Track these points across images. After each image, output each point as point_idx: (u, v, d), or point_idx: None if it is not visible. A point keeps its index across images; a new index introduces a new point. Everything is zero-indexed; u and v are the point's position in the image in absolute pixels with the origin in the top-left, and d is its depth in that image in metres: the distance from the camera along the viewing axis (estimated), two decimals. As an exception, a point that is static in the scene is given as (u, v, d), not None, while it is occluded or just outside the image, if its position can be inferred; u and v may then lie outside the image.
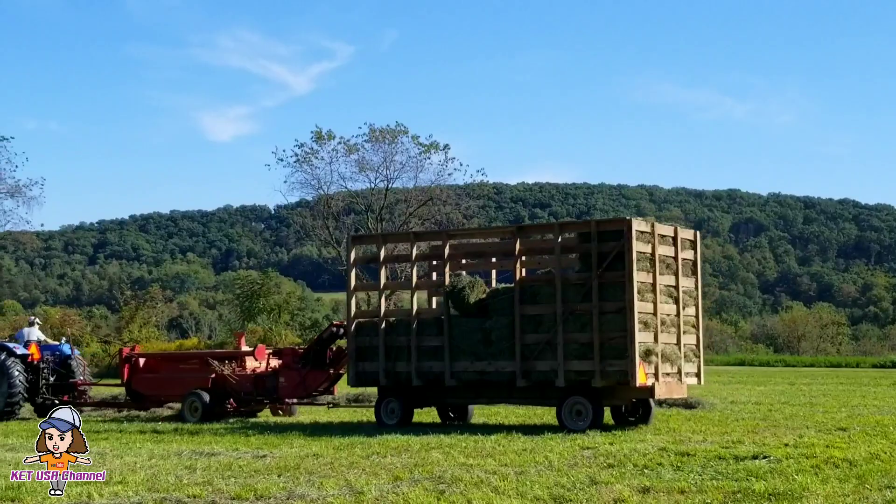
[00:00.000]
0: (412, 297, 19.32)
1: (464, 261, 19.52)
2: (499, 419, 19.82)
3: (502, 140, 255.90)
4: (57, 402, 22.59)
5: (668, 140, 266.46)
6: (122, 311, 61.27)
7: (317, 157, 56.10)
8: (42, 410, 22.93)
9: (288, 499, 10.06)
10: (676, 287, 17.75)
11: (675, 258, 17.79)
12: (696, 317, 18.39)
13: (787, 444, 13.94)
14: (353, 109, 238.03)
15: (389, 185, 56.22)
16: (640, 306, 16.79)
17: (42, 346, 24.10)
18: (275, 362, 21.88)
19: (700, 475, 11.09)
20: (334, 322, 22.38)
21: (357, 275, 20.13)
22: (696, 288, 18.47)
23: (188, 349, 23.52)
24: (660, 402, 22.11)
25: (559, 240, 17.79)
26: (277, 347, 25.78)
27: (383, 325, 18.82)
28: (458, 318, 18.33)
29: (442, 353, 18.13)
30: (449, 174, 55.84)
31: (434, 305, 19.64)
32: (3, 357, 23.04)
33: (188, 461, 12.93)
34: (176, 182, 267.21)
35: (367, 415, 20.56)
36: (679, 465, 11.97)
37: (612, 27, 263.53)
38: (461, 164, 64.62)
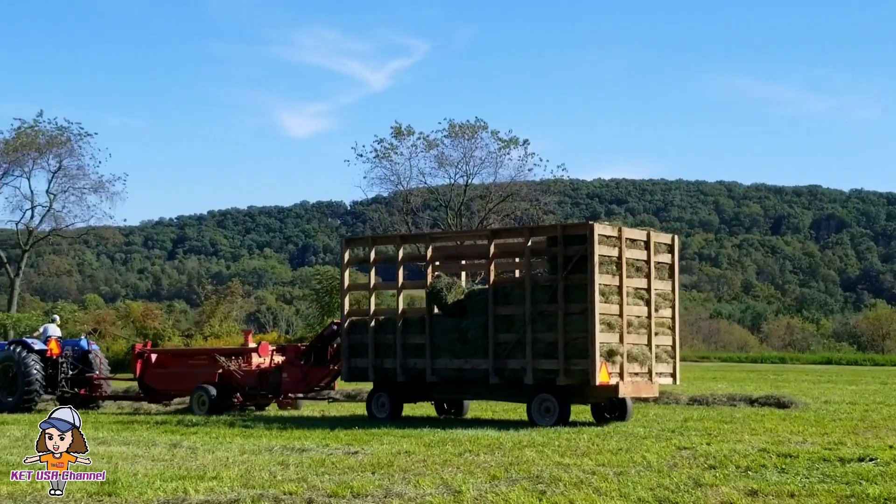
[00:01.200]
0: (398, 297, 20.04)
1: (471, 262, 20.27)
2: (494, 415, 20.61)
3: (578, 136, 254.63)
4: (71, 394, 24.36)
5: (748, 135, 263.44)
6: (203, 305, 61.78)
7: (396, 153, 56.17)
8: (63, 402, 23.59)
9: (385, 497, 9.87)
10: (648, 289, 18.33)
11: (648, 261, 18.35)
12: (673, 318, 18.98)
13: (891, 446, 13.47)
14: (430, 106, 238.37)
15: (469, 181, 56.08)
16: (603, 308, 17.43)
17: (62, 342, 25.21)
18: (279, 359, 22.69)
19: (807, 478, 10.72)
20: (335, 320, 23.02)
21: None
22: (673, 291, 19.03)
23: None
24: (731, 401, 22.45)
25: (529, 243, 18.57)
26: (281, 344, 26.42)
27: (373, 323, 19.90)
28: (440, 318, 19.13)
29: (424, 351, 19.07)
30: (529, 170, 55.55)
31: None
32: (21, 352, 24.35)
33: (280, 457, 12.82)
34: (254, 178, 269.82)
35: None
36: (783, 467, 11.60)
37: (690, 22, 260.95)
38: (540, 160, 64.42)
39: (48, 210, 62.72)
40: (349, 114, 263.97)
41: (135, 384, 24.90)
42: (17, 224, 63.13)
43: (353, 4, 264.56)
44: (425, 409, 21.44)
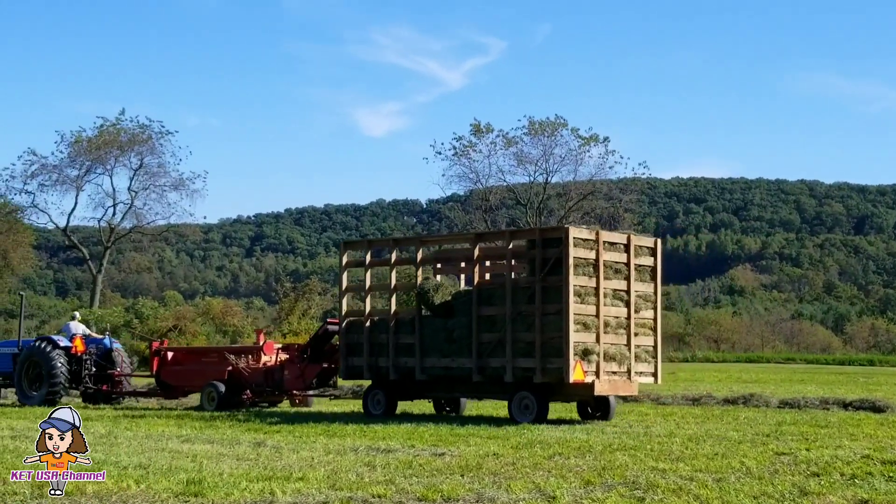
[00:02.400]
0: (391, 298, 20.74)
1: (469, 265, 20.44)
2: (483, 412, 21.34)
3: (656, 134, 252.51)
4: (93, 390, 25.81)
5: (830, 133, 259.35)
6: (282, 302, 62.00)
7: (475, 151, 55.92)
8: (87, 398, 26.05)
9: (477, 501, 9.55)
10: (628, 291, 18.84)
11: (628, 264, 18.85)
12: (655, 320, 19.49)
13: None
14: (506, 104, 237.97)
15: (548, 179, 55.61)
16: (578, 308, 18.02)
17: (87, 340, 26.36)
18: (283, 356, 23.72)
19: (918, 487, 10.21)
20: (329, 320, 23.74)
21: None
22: (655, 293, 19.50)
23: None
24: (824, 405, 21.99)
25: (510, 246, 19.35)
26: (286, 343, 27.17)
27: (368, 323, 20.66)
28: (428, 318, 19.91)
29: (415, 350, 19.85)
30: (610, 167, 54.97)
31: None
32: (47, 348, 25.44)
33: (366, 458, 12.55)
34: (330, 176, 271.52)
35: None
36: (890, 475, 11.09)
37: (772, 19, 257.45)
38: (621, 157, 63.78)
39: (129, 207, 63.41)
40: (425, 113, 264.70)
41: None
42: (99, 221, 63.92)
43: (429, 4, 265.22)
44: (424, 406, 22.38)
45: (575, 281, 17.99)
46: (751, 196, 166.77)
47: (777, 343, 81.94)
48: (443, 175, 59.72)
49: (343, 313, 21.25)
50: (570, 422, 18.58)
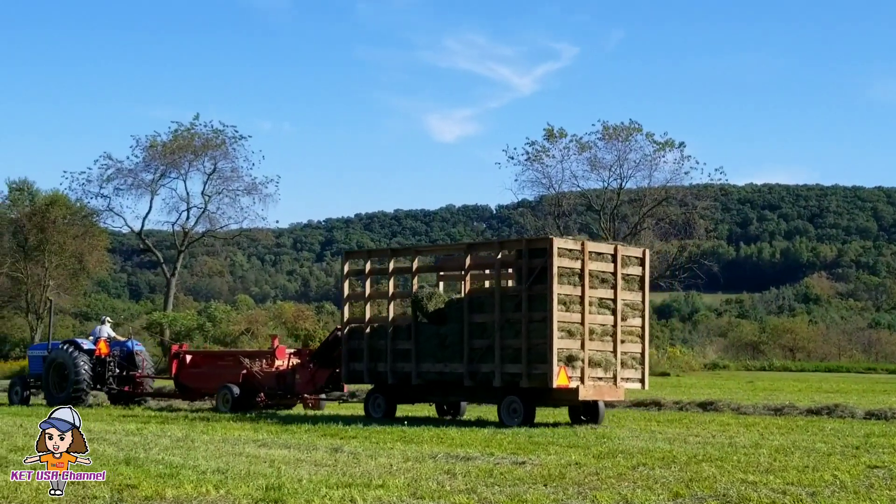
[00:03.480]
0: (388, 305, 21.55)
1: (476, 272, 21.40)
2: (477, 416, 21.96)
3: (730, 139, 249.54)
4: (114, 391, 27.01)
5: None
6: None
7: (548, 156, 55.61)
8: (112, 398, 27.28)
9: (563, 513, 9.28)
10: (615, 300, 19.46)
11: (615, 274, 19.44)
12: (642, 327, 20.06)
13: None
14: (578, 110, 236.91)
15: (623, 185, 55.11)
16: (562, 316, 18.69)
17: (111, 343, 27.47)
18: (295, 361, 24.35)
19: None
20: (338, 326, 23.85)
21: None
22: (644, 301, 20.09)
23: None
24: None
25: (499, 256, 20.02)
26: (298, 348, 27.72)
27: (367, 329, 21.56)
28: (423, 325, 20.58)
29: (411, 356, 20.58)
30: (685, 173, 54.35)
31: None
32: (72, 351, 26.62)
33: (446, 465, 12.30)
34: (400, 181, 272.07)
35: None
36: None
37: (849, 23, 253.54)
38: (697, 163, 62.97)
39: (203, 212, 63.97)
40: (496, 118, 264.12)
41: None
42: (173, 225, 64.57)
43: (501, 10, 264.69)
44: (426, 410, 23.04)
45: (559, 290, 18.65)
46: (826, 203, 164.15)
47: (854, 352, 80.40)
48: (515, 180, 59.68)
49: (345, 320, 22.10)
50: (558, 424, 19.42)
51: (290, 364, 24.30)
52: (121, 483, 10.25)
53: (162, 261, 66.68)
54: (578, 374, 18.81)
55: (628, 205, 56.27)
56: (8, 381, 32.15)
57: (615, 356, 19.43)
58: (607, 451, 13.98)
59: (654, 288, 60.90)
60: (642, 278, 20.13)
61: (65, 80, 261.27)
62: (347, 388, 24.87)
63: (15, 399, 27.59)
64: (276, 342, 25.97)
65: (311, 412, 23.49)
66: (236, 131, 63.68)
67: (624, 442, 15.43)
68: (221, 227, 65.33)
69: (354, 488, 10.23)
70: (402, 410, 21.89)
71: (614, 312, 19.48)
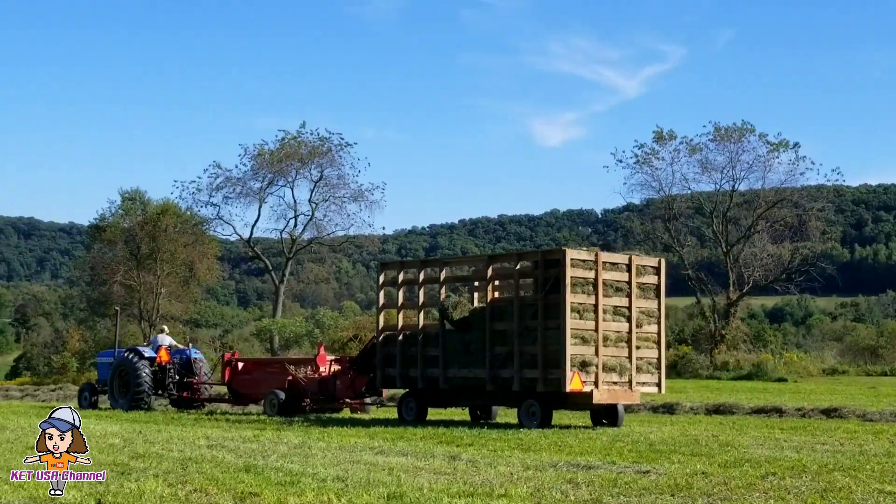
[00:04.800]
0: (419, 314, 22.71)
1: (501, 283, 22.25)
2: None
3: (844, 139, 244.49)
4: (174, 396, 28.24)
5: None
6: (458, 312, 61.76)
7: (657, 158, 54.84)
8: (173, 403, 28.51)
9: (695, 525, 8.93)
10: (629, 308, 20.26)
11: (629, 282, 20.26)
12: (658, 334, 20.82)
13: None
14: (686, 113, 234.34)
15: (735, 187, 54.10)
16: (576, 323, 19.58)
17: (171, 351, 28.75)
18: (336, 368, 25.27)
19: None
20: (375, 335, 24.44)
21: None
22: (659, 309, 20.83)
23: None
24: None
25: (517, 267, 21.13)
26: (341, 355, 28.89)
27: (400, 337, 22.56)
28: (450, 332, 21.55)
29: (439, 362, 21.55)
30: (801, 174, 53.16)
31: None
32: (133, 358, 27.94)
33: (567, 474, 12.01)
34: (505, 187, 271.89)
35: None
36: None
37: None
38: (812, 164, 61.40)
39: (310, 219, 64.38)
40: (602, 122, 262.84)
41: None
42: (280, 233, 65.10)
43: (607, 13, 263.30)
44: (456, 413, 24.00)
45: (572, 298, 19.57)
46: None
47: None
48: (624, 183, 59.09)
49: (380, 328, 23.14)
50: (580, 427, 20.29)
51: (332, 370, 25.24)
52: (243, 491, 10.20)
53: (270, 268, 67.31)
54: (592, 378, 19.71)
55: (740, 207, 55.20)
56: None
57: (630, 361, 20.27)
58: (733, 460, 13.56)
59: (768, 292, 59.92)
60: (658, 287, 20.90)
61: (175, 92, 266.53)
62: (386, 392, 25.53)
63: (84, 403, 29.08)
64: (322, 350, 26.68)
65: (357, 416, 24.61)
66: (342, 138, 63.96)
67: (749, 450, 14.98)
68: (328, 234, 65.74)
69: (476, 497, 10.03)
70: (436, 414, 23.10)
71: (629, 320, 20.31)
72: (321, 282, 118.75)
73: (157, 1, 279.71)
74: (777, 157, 53.23)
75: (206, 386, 29.17)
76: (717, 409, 24.76)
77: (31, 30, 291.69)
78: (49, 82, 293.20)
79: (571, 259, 19.66)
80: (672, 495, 10.47)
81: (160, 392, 28.32)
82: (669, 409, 25.42)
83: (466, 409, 23.42)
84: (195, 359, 29.09)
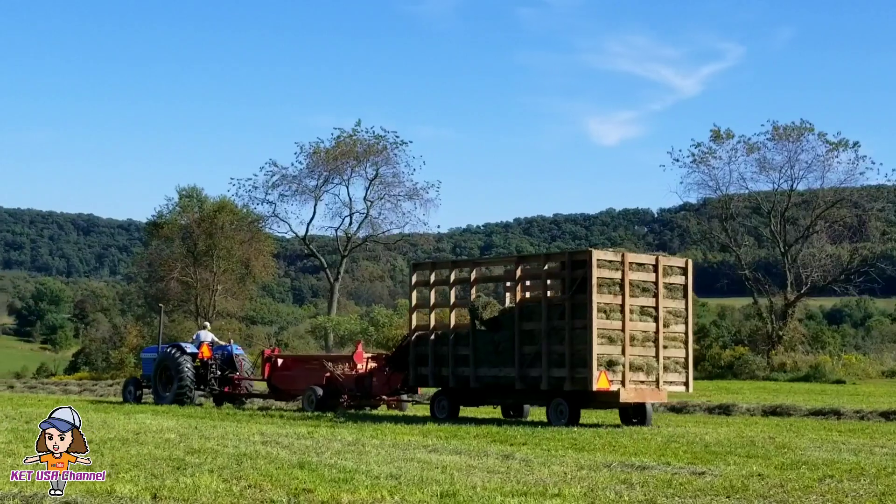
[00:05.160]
0: (450, 314, 23.33)
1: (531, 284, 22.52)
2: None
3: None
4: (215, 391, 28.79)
5: None
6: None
7: (714, 157, 54.40)
8: (215, 398, 28.99)
9: (751, 527, 8.83)
10: (656, 308, 20.47)
11: (656, 283, 20.46)
12: (686, 333, 21.06)
13: None
14: (745, 111, 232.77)
15: (793, 186, 53.55)
16: (602, 323, 19.82)
17: (213, 347, 29.34)
18: (372, 365, 25.78)
19: None
20: (409, 333, 24.89)
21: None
22: (687, 309, 21.05)
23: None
24: None
25: (545, 267, 21.39)
26: (376, 353, 28.82)
27: (432, 336, 22.91)
28: (480, 332, 21.88)
29: (469, 361, 21.88)
30: (860, 173, 52.51)
31: None
32: (176, 354, 28.56)
33: (621, 474, 11.93)
34: (559, 185, 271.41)
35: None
36: None
37: None
38: (872, 163, 60.52)
39: (365, 217, 64.56)
40: (659, 121, 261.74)
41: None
42: (336, 230, 65.35)
43: (665, 11, 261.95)
44: (487, 411, 24.44)
45: (599, 299, 19.80)
46: None
47: None
48: (680, 182, 58.64)
49: (412, 327, 23.53)
50: (609, 426, 20.41)
51: (368, 368, 25.67)
52: (296, 487, 10.24)
53: (325, 266, 67.61)
54: (619, 377, 19.96)
55: (798, 207, 54.64)
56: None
57: (657, 361, 20.48)
58: (790, 463, 13.41)
59: (827, 292, 59.25)
60: (685, 287, 21.09)
61: (233, 90, 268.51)
62: (422, 390, 25.85)
63: (128, 398, 29.76)
64: (360, 347, 27.21)
65: (393, 412, 25.07)
66: (397, 136, 64.05)
67: (806, 453, 14.80)
68: (383, 232, 65.89)
69: (530, 497, 9.99)
70: (468, 412, 23.50)
71: (656, 319, 20.53)
72: (376, 280, 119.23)
73: (215, 0, 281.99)
74: (836, 157, 52.69)
75: (248, 382, 29.52)
76: (774, 411, 24.52)
77: (93, 28, 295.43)
78: (110, 81, 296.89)
79: (598, 260, 19.95)
80: (727, 497, 10.38)
81: (202, 387, 28.85)
82: (725, 409, 25.23)
83: (499, 408, 23.75)
84: (236, 355, 29.66)
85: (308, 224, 64.88)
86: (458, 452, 14.16)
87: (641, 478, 11.64)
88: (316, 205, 64.19)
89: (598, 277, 19.84)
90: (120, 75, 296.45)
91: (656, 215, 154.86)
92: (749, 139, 54.32)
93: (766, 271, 59.22)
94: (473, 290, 22.85)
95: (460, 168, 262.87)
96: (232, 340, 32.59)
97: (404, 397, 25.43)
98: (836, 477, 11.93)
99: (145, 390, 30.06)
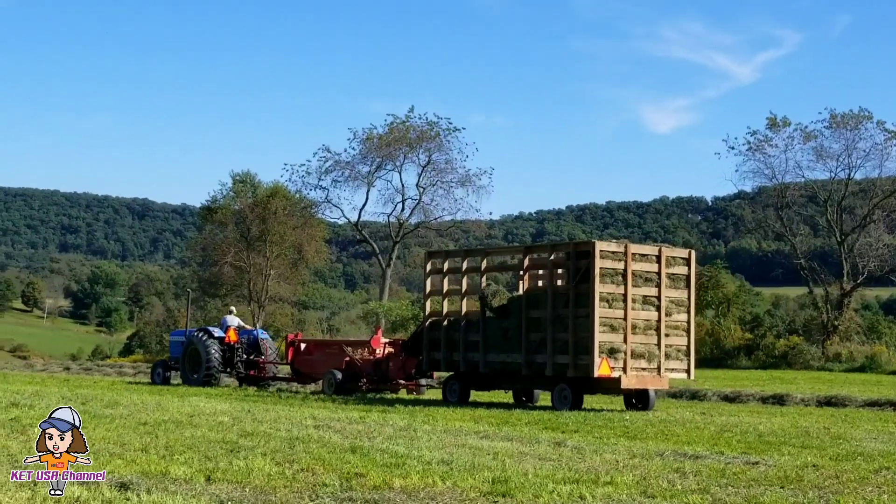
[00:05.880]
0: (461, 301, 23.91)
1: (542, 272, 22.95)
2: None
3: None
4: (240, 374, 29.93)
5: None
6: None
7: (770, 145, 53.90)
8: (240, 381, 29.97)
9: (806, 518, 8.74)
10: (659, 297, 21.04)
11: (659, 273, 21.05)
12: (688, 322, 21.63)
13: None
14: (802, 98, 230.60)
15: (851, 175, 52.94)
16: (604, 312, 20.47)
17: (239, 331, 30.46)
18: (389, 350, 26.41)
19: None
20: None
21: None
22: (689, 298, 21.62)
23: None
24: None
25: (551, 257, 22.15)
26: (393, 339, 29.09)
27: (444, 322, 23.72)
28: (490, 319, 22.66)
29: (479, 347, 22.62)
30: (920, 161, 51.82)
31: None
32: (204, 338, 29.65)
33: (674, 463, 11.87)
34: (613, 173, 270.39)
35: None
36: None
37: None
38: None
39: (417, 203, 64.61)
40: (714, 108, 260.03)
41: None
42: (388, 216, 65.46)
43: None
44: (496, 395, 25.18)
45: (601, 288, 20.42)
46: None
47: None
48: (736, 170, 58.03)
49: (426, 314, 24.29)
50: (610, 411, 20.91)
51: (385, 353, 26.37)
52: (349, 471, 10.28)
53: (377, 251, 67.77)
54: (621, 364, 20.61)
55: (856, 196, 54.01)
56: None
57: (659, 348, 21.08)
58: (845, 454, 13.27)
59: (884, 282, 58.51)
60: (688, 277, 21.70)
61: (286, 76, 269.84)
62: (437, 375, 26.38)
63: (157, 379, 30.99)
64: (379, 332, 28.01)
65: (412, 396, 25.66)
66: (450, 123, 64.00)
67: (862, 444, 14.64)
68: (435, 219, 65.89)
69: (582, 484, 9.96)
70: (480, 397, 24.45)
71: (658, 309, 21.12)
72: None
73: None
74: (895, 145, 51.95)
75: (272, 365, 30.51)
76: (829, 401, 24.27)
77: (152, 16, 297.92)
78: (167, 68, 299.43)
79: (601, 251, 20.58)
80: (782, 487, 10.28)
81: (228, 370, 29.94)
82: (779, 399, 25.02)
83: (510, 393, 24.41)
84: (262, 339, 30.72)
85: (360, 210, 65.09)
86: (509, 439, 14.16)
87: (694, 467, 11.57)
88: (368, 191, 64.39)
89: (600, 267, 20.46)
90: (177, 62, 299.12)
91: (710, 204, 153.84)
92: (806, 127, 53.86)
93: (822, 260, 58.63)
94: (484, 279, 23.62)
95: (513, 155, 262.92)
96: (258, 325, 33.40)
97: (422, 381, 26.10)
98: (892, 468, 11.80)
99: (173, 372, 31.14)
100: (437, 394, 25.69)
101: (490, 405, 21.92)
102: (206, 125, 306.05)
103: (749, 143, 54.61)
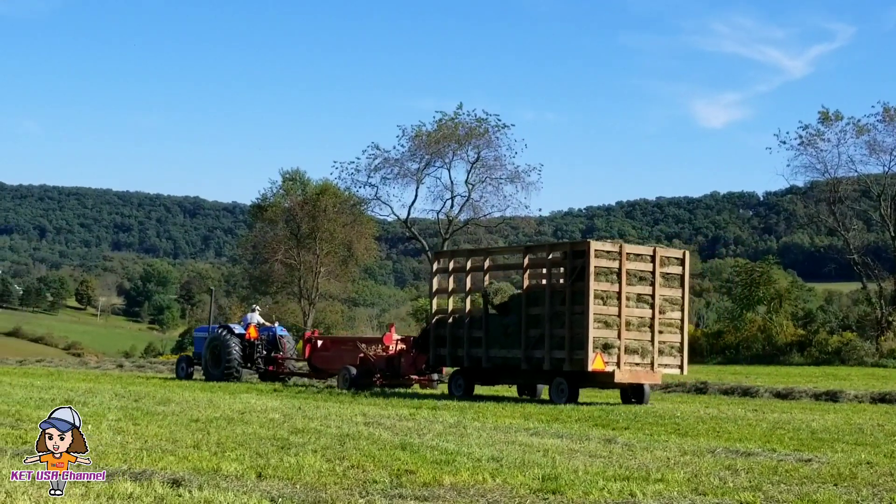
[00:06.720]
0: (465, 299, 24.65)
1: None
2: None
3: None
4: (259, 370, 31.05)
5: None
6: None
7: (822, 140, 53.38)
8: (261, 376, 31.10)
9: (860, 516, 8.64)
10: (653, 295, 21.92)
11: (653, 272, 21.92)
12: (682, 319, 22.54)
13: None
14: (856, 91, 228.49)
15: (905, 168, 52.31)
16: (599, 309, 21.35)
17: (260, 328, 31.40)
18: (401, 347, 27.12)
19: None
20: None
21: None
22: (683, 297, 22.50)
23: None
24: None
25: (549, 257, 23.15)
26: (405, 336, 29.36)
27: (450, 320, 24.57)
28: (492, 316, 23.58)
29: (482, 342, 23.49)
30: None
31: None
32: (225, 334, 30.64)
33: (726, 460, 11.78)
34: (663, 168, 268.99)
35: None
36: None
37: None
38: None
39: (466, 200, 64.52)
40: (765, 102, 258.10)
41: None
42: (437, 213, 65.45)
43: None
44: (499, 389, 26.23)
45: (596, 286, 21.28)
46: None
47: None
48: (787, 165, 57.49)
49: (433, 312, 25.66)
50: (604, 404, 21.80)
51: (397, 349, 27.13)
52: (399, 468, 10.30)
53: (426, 248, 67.84)
54: (615, 359, 21.40)
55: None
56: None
57: (652, 345, 21.92)
58: (901, 451, 13.11)
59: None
60: (682, 276, 22.55)
61: (335, 74, 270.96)
62: (446, 370, 27.10)
63: (181, 374, 32.25)
64: (392, 330, 28.95)
65: (425, 391, 26.42)
66: (499, 119, 63.77)
67: (917, 441, 14.45)
68: (484, 216, 65.72)
69: (633, 481, 9.91)
70: (485, 391, 25.28)
71: (652, 306, 21.96)
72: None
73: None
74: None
75: (290, 361, 31.52)
76: (883, 398, 23.98)
77: (203, 17, 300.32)
78: (218, 68, 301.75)
79: (596, 250, 21.42)
80: (835, 485, 10.18)
81: (248, 365, 30.93)
82: (832, 396, 24.75)
83: (514, 387, 25.42)
84: (281, 336, 31.78)
85: (410, 207, 65.11)
86: (559, 436, 14.12)
87: (746, 464, 11.49)
88: (418, 188, 64.37)
89: (595, 266, 21.31)
90: (227, 63, 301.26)
91: (762, 199, 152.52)
92: (859, 121, 53.29)
93: (876, 256, 57.98)
94: (487, 277, 24.66)
95: (563, 151, 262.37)
96: (277, 322, 34.60)
97: (434, 376, 26.99)
98: (948, 466, 11.64)
99: (196, 367, 32.11)
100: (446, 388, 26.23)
101: (496, 399, 22.89)
102: (257, 124, 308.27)
103: (801, 137, 54.21)
